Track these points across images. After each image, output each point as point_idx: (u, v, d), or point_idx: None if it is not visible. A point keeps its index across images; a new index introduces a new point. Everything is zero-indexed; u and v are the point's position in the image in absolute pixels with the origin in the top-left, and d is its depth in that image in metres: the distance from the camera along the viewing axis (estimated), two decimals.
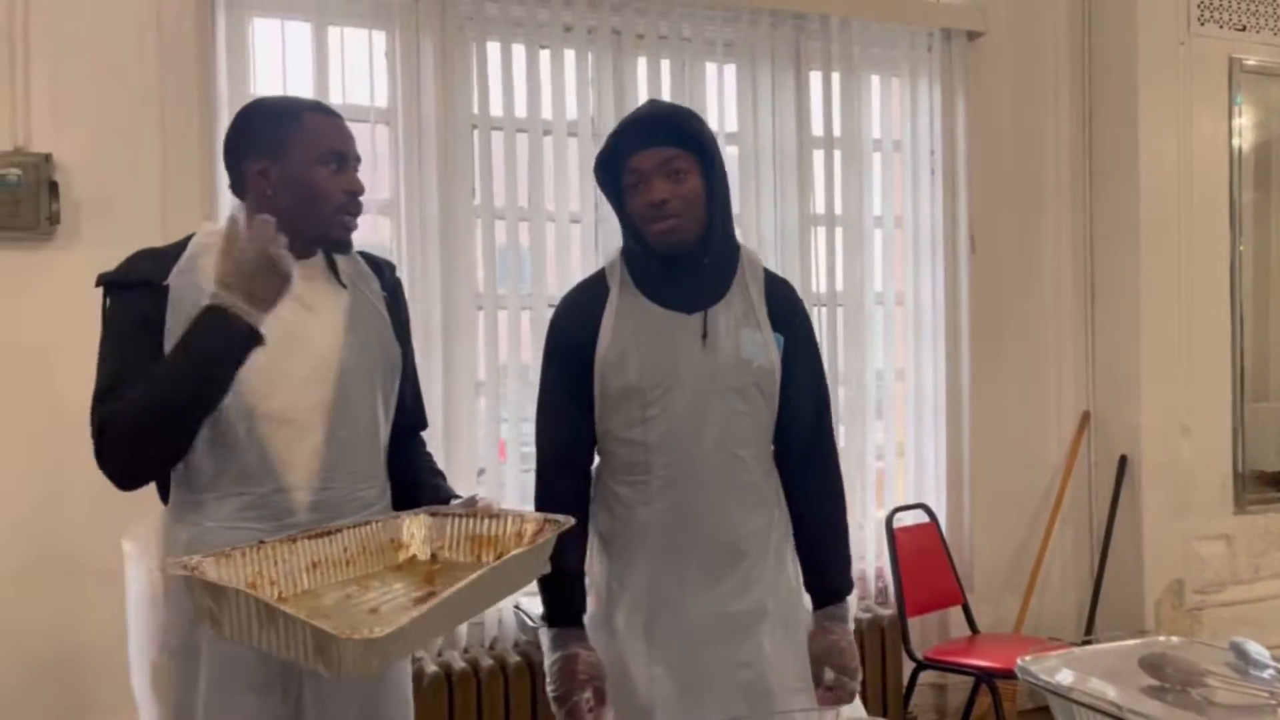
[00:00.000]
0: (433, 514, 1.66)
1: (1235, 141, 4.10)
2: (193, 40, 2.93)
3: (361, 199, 1.68)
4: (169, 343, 1.54)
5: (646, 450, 1.79)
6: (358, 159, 1.68)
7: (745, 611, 1.81)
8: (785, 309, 1.88)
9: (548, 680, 1.80)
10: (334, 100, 3.06)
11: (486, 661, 3.01)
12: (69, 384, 2.80)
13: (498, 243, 3.27)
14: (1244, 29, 4.08)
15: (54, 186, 2.75)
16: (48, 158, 2.75)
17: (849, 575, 1.91)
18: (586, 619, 1.83)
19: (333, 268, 1.70)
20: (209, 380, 1.51)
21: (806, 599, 1.90)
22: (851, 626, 1.90)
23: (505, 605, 3.18)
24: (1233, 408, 4.10)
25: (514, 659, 3.02)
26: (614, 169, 1.83)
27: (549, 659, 1.80)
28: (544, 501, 1.82)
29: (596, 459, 1.90)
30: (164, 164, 2.90)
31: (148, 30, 2.89)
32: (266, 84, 3.03)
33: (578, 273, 3.38)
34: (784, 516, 1.88)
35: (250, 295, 1.47)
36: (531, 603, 3.14)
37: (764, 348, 1.82)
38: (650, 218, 1.78)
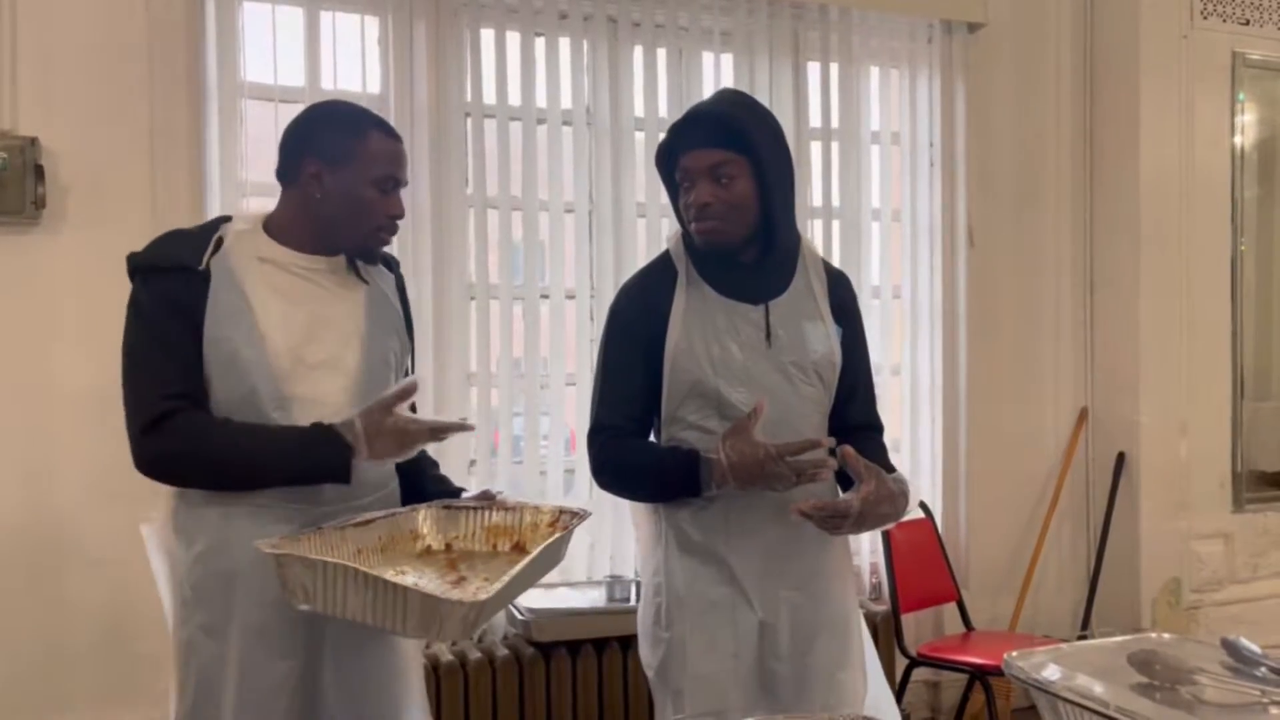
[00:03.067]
0: (446, 507, 1.79)
1: (1237, 138, 4.06)
2: (182, 24, 2.90)
3: (399, 221, 1.77)
4: (208, 327, 1.62)
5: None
6: (405, 183, 1.77)
7: (804, 603, 1.89)
8: (844, 302, 1.97)
9: (747, 474, 1.76)
10: (325, 87, 3.03)
11: (474, 654, 2.98)
12: (56, 370, 2.80)
13: (490, 232, 3.24)
14: (1248, 23, 4.04)
15: (40, 170, 2.73)
16: (34, 141, 2.73)
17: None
18: (654, 602, 1.91)
19: (352, 262, 1.79)
20: (292, 481, 1.66)
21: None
22: (899, 518, 1.85)
23: None
24: (1232, 406, 4.06)
25: (502, 652, 2.99)
26: (673, 159, 1.88)
27: (723, 483, 1.79)
28: (605, 458, 1.89)
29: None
30: (151, 149, 2.87)
31: (136, 13, 2.86)
32: (257, 70, 3.01)
33: (572, 263, 3.36)
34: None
35: (379, 452, 1.63)
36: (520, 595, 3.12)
37: (825, 339, 1.91)
38: (692, 217, 1.85)
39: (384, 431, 1.63)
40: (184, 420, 1.62)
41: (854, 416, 1.97)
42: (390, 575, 1.57)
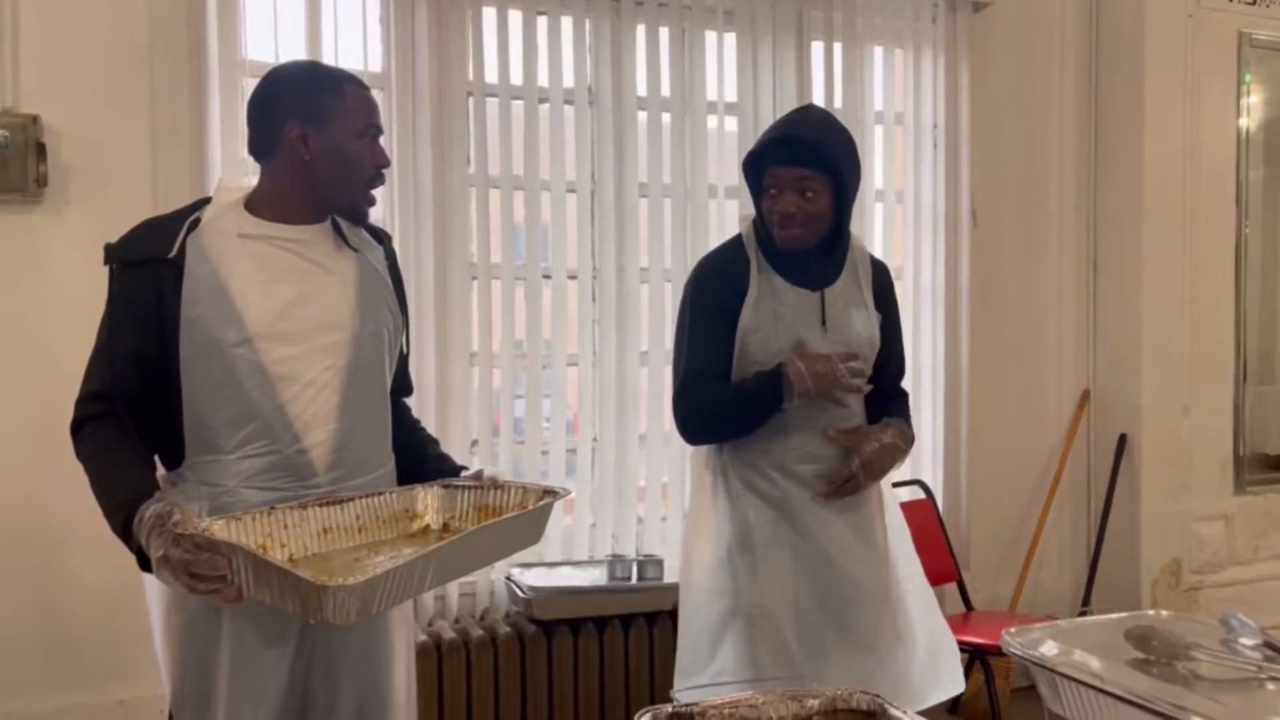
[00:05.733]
0: (445, 486, 1.78)
1: (1243, 119, 4.04)
2: (183, 2, 2.89)
3: (385, 171, 1.75)
4: (185, 310, 1.58)
5: (784, 415, 2.07)
6: (383, 131, 1.76)
7: (864, 552, 2.14)
8: (884, 291, 2.22)
9: (805, 389, 2.02)
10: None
11: (476, 632, 3.00)
12: (56, 347, 2.80)
13: (492, 212, 3.24)
14: (1254, 2, 4.01)
15: (42, 148, 2.72)
16: (35, 119, 2.72)
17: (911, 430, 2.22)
18: (727, 539, 2.13)
19: (339, 233, 1.74)
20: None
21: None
22: (906, 449, 2.16)
23: (497, 576, 3.17)
24: (1235, 389, 4.06)
25: (504, 630, 3.01)
26: (761, 162, 2.11)
27: (802, 384, 2.03)
28: (696, 401, 2.10)
29: None
30: (153, 127, 2.86)
31: None
32: (258, 49, 3.00)
33: (574, 244, 3.36)
34: None
35: (181, 577, 1.46)
36: (523, 574, 3.13)
37: (868, 325, 2.15)
38: (777, 223, 2.08)
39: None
40: (88, 433, 1.63)
41: (882, 387, 2.22)
42: (366, 551, 1.53)
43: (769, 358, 2.06)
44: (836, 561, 2.10)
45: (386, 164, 1.75)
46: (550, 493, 1.73)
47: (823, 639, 2.08)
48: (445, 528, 1.75)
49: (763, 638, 2.06)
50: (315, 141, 1.66)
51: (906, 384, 3.68)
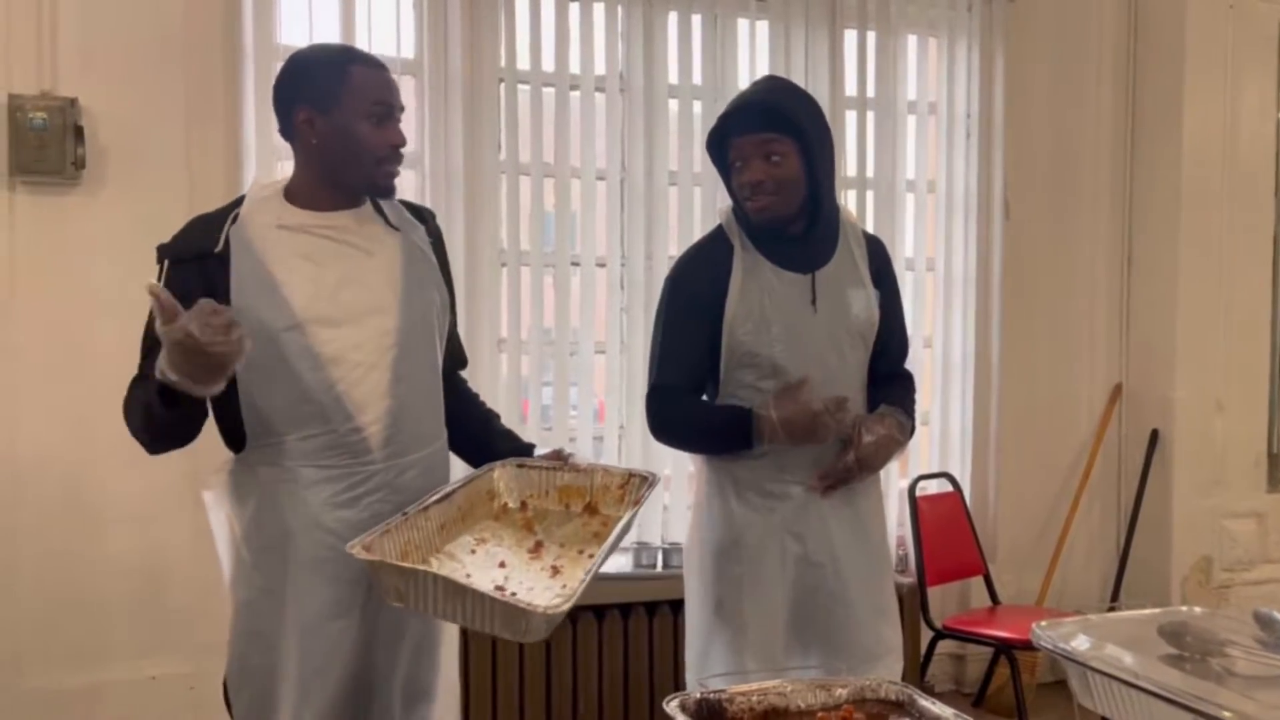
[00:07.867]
0: (520, 465, 1.86)
1: None
2: None
3: (403, 150, 1.75)
4: (235, 300, 1.61)
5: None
6: (401, 109, 1.74)
7: (849, 541, 2.04)
8: (881, 267, 2.13)
9: (798, 429, 1.92)
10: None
11: None
12: (94, 329, 2.83)
13: (522, 199, 3.24)
14: None
15: (80, 131, 2.75)
16: (74, 102, 2.75)
17: (912, 419, 2.11)
18: (715, 543, 2.04)
19: (380, 213, 1.77)
20: (167, 434, 1.65)
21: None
22: (904, 441, 2.06)
23: None
24: (1270, 385, 4.01)
25: None
26: (724, 142, 2.02)
27: (774, 438, 1.94)
28: (665, 417, 2.03)
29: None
30: (188, 111, 2.89)
31: None
32: (292, 33, 3.01)
33: (603, 231, 3.35)
34: None
35: (191, 378, 1.49)
36: None
37: (866, 304, 2.06)
38: (747, 195, 1.99)
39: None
40: (132, 391, 1.67)
41: (883, 368, 2.14)
42: (473, 541, 1.61)
43: (761, 348, 1.98)
44: (828, 565, 2.01)
45: (401, 142, 1.73)
46: (636, 476, 1.83)
47: (809, 645, 2.02)
48: (523, 506, 1.84)
49: (750, 650, 1.99)
50: (321, 125, 1.68)
51: (936, 375, 3.76)
